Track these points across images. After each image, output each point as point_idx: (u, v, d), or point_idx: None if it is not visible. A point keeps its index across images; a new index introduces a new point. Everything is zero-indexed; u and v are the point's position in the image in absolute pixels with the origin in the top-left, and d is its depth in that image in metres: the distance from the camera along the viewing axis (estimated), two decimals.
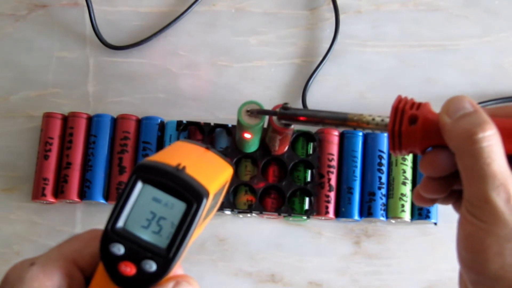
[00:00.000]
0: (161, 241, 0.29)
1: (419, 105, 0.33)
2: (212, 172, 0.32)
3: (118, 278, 0.29)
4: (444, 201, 0.35)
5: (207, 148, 0.34)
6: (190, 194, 0.29)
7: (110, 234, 0.29)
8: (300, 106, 0.62)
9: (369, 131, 0.37)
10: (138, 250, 0.29)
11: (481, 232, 0.29)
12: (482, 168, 0.29)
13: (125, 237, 0.29)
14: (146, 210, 0.29)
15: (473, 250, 0.30)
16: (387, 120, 0.35)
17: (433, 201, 0.35)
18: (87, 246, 0.31)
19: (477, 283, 0.30)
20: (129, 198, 0.29)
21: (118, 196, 0.29)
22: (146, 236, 0.29)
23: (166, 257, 0.29)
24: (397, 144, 0.33)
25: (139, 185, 0.29)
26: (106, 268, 0.29)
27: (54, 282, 0.29)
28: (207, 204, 0.29)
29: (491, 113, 0.32)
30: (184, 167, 0.29)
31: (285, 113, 0.46)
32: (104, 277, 0.29)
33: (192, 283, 0.30)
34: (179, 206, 0.29)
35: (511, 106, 0.33)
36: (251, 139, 0.53)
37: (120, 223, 0.29)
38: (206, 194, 0.29)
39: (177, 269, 0.30)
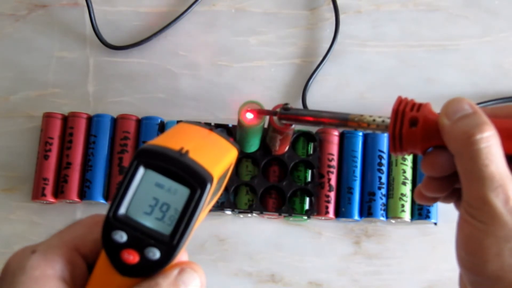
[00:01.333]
0: (165, 228, 0.28)
1: (420, 106, 0.33)
2: (216, 155, 0.31)
3: (121, 266, 0.29)
4: (446, 199, 0.35)
5: (211, 129, 0.33)
6: (194, 180, 0.28)
7: (112, 221, 0.28)
8: (300, 106, 0.62)
9: (370, 131, 0.37)
10: (141, 237, 0.28)
11: (480, 233, 0.29)
12: (480, 170, 0.29)
13: (127, 224, 0.28)
14: (149, 196, 0.28)
15: (472, 251, 0.30)
16: (388, 121, 0.35)
17: (435, 200, 0.35)
18: (89, 232, 0.30)
19: (477, 284, 0.30)
20: (131, 184, 0.28)
21: (120, 182, 0.28)
22: (149, 222, 0.28)
23: (170, 244, 0.28)
24: (398, 146, 0.34)
25: (141, 171, 0.28)
26: (109, 256, 0.29)
27: (55, 270, 0.29)
28: (211, 189, 0.28)
29: (492, 113, 0.32)
30: (187, 151, 0.28)
31: (285, 113, 0.46)
32: (106, 264, 0.29)
33: (197, 270, 0.30)
34: (182, 192, 0.28)
35: (510, 105, 0.33)
36: (250, 129, 0.52)
37: (122, 210, 0.28)
38: (210, 179, 0.28)
39: (182, 255, 0.30)
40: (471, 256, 0.30)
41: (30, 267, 0.28)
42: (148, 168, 0.29)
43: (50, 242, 0.30)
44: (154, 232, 0.28)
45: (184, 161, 0.28)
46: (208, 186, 0.28)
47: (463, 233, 0.30)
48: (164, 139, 0.30)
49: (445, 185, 0.34)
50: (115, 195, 0.29)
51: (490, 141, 0.29)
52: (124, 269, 0.29)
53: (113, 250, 0.28)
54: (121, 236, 0.28)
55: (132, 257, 0.28)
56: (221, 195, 0.58)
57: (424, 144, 0.33)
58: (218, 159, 0.31)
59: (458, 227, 0.31)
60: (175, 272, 0.29)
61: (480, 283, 0.30)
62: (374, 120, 0.36)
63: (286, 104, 0.46)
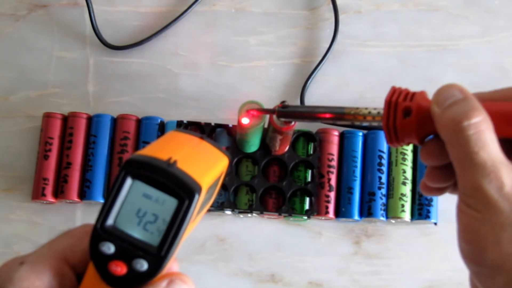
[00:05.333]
0: (153, 239, 0.28)
1: (413, 95, 0.33)
2: (206, 165, 0.31)
3: (109, 278, 0.28)
4: (454, 191, 0.34)
5: (202, 138, 0.32)
6: (182, 190, 0.28)
7: (100, 232, 0.28)
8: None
9: (366, 124, 0.37)
10: (128, 248, 0.28)
11: (476, 221, 0.29)
12: (470, 157, 0.29)
13: (115, 235, 0.28)
14: (137, 207, 0.28)
15: (470, 240, 0.29)
16: (383, 112, 0.35)
17: (441, 191, 0.35)
18: (79, 242, 0.30)
19: (479, 275, 0.30)
20: (119, 194, 0.28)
21: (107, 193, 0.28)
22: (137, 233, 0.28)
23: (158, 255, 0.28)
24: (393, 138, 0.33)
25: (128, 181, 0.28)
26: (96, 268, 0.29)
27: (44, 282, 0.28)
28: (199, 199, 0.28)
29: (490, 97, 0.31)
30: (175, 161, 0.28)
31: (283, 111, 0.46)
32: (95, 276, 0.29)
33: (186, 281, 0.29)
34: (170, 203, 0.28)
35: (509, 88, 0.32)
36: (250, 130, 0.52)
37: (110, 221, 0.28)
38: (199, 190, 0.28)
39: (172, 265, 0.30)
40: (471, 245, 0.29)
41: (19, 279, 0.28)
42: (136, 178, 0.28)
43: (39, 253, 0.30)
44: (142, 243, 0.28)
45: (171, 171, 0.28)
46: (196, 196, 0.28)
47: (461, 224, 0.30)
48: (153, 148, 0.30)
49: (448, 174, 0.33)
50: (102, 206, 0.28)
51: (479, 127, 0.29)
52: (112, 280, 0.28)
53: (101, 262, 0.28)
54: (109, 248, 0.28)
55: (119, 268, 0.28)
56: (221, 195, 0.58)
57: (419, 133, 0.32)
58: (208, 169, 0.30)
59: (457, 218, 0.31)
60: (163, 283, 0.29)
61: (481, 273, 0.30)
62: (369, 112, 0.36)
63: (284, 101, 0.46)
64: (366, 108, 0.36)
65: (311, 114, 0.42)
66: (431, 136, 0.33)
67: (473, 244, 0.29)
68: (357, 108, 0.37)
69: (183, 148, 0.31)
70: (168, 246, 0.28)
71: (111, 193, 0.28)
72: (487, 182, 0.28)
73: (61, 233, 0.31)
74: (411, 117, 0.32)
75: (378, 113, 0.35)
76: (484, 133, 0.29)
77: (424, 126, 0.32)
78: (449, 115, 0.30)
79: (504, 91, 0.32)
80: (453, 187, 0.34)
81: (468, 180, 0.29)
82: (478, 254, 0.29)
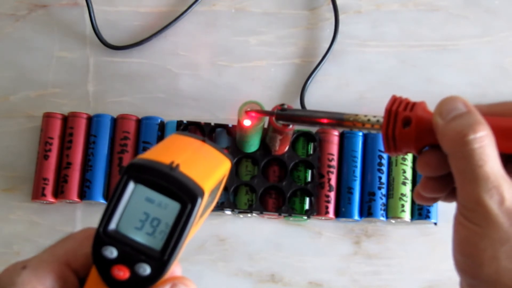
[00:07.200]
0: (155, 243, 0.28)
1: (413, 105, 0.33)
2: (208, 168, 0.31)
3: (112, 282, 0.28)
4: (447, 199, 0.35)
5: (204, 141, 0.32)
6: (184, 194, 0.28)
7: (102, 236, 0.28)
8: (298, 106, 0.62)
9: (365, 131, 0.37)
10: (131, 253, 0.28)
11: (475, 235, 0.29)
12: (474, 171, 0.29)
13: (117, 239, 0.28)
14: (139, 211, 0.28)
15: (467, 254, 0.29)
16: (382, 120, 0.35)
17: (434, 200, 0.35)
18: (81, 246, 0.30)
19: (472, 287, 0.30)
20: (121, 198, 0.28)
21: (110, 197, 0.28)
22: (139, 238, 0.28)
23: (161, 259, 0.28)
24: (392, 147, 0.33)
25: (131, 185, 0.28)
26: (99, 272, 0.29)
27: (46, 286, 0.29)
28: (202, 203, 0.28)
29: (489, 111, 0.31)
30: (177, 165, 0.28)
31: (282, 114, 0.46)
32: (97, 280, 0.29)
33: (189, 285, 0.29)
34: (173, 206, 0.28)
35: (509, 102, 0.32)
36: (251, 131, 0.52)
37: (112, 225, 0.28)
38: (201, 194, 0.28)
39: (175, 269, 0.30)
40: (467, 259, 0.30)
41: (21, 283, 0.28)
42: (138, 182, 0.28)
43: (41, 257, 0.30)
44: (144, 248, 0.28)
45: (174, 175, 0.28)
46: (199, 200, 0.28)
47: (459, 236, 0.30)
48: (155, 152, 0.30)
49: (443, 185, 0.33)
50: (105, 210, 0.28)
51: (484, 141, 0.29)
52: (114, 284, 0.28)
53: (104, 266, 0.28)
54: (111, 252, 0.28)
55: (122, 273, 0.28)
56: (221, 195, 0.58)
57: (418, 144, 0.33)
58: (210, 172, 0.30)
59: (454, 230, 0.31)
60: (166, 287, 0.29)
61: (476, 286, 0.30)
62: (368, 120, 0.36)
63: (283, 104, 0.46)
64: (365, 116, 0.36)
65: (310, 118, 0.42)
66: (426, 148, 0.33)
67: (470, 257, 0.29)
68: (356, 115, 0.37)
69: (185, 152, 0.31)
70: (171, 250, 0.28)
71: (114, 197, 0.28)
72: (489, 197, 0.28)
73: (62, 237, 0.31)
74: (411, 127, 0.32)
75: (378, 121, 0.35)
76: (488, 148, 0.29)
77: (423, 137, 0.32)
78: (454, 128, 0.30)
79: (502, 105, 0.32)
80: (446, 197, 0.34)
81: (470, 193, 0.29)
82: (474, 267, 0.29)
